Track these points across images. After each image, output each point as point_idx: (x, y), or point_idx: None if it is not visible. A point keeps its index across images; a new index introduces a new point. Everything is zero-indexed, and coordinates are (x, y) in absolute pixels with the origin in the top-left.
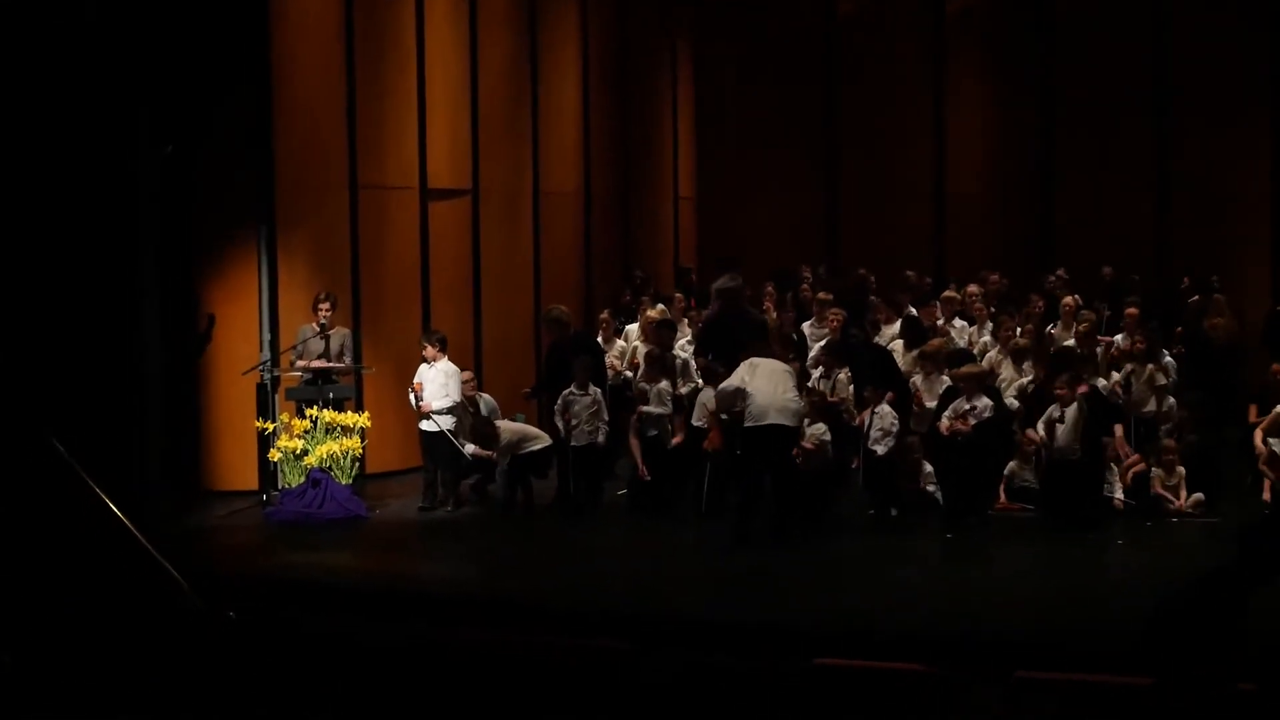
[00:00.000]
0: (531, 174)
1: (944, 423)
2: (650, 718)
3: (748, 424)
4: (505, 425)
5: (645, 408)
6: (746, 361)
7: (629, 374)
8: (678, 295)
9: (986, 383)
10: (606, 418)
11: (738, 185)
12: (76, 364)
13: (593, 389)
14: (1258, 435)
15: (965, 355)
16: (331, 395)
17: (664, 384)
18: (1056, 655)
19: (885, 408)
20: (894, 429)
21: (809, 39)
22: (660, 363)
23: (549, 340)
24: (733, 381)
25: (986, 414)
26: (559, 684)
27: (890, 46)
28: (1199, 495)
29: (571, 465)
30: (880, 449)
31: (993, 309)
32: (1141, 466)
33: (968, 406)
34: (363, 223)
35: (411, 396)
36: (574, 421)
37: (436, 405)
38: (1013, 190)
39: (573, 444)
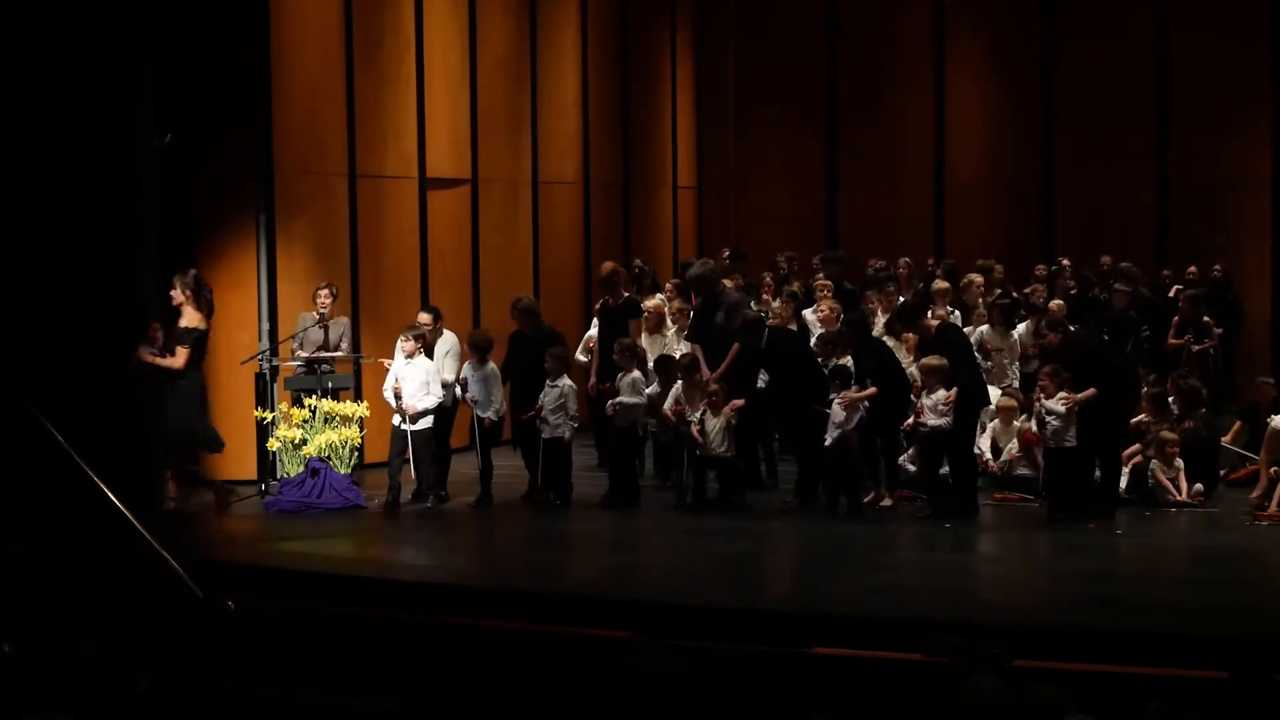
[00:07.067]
0: (531, 163)
1: (910, 420)
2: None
3: None
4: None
5: (619, 399)
6: None
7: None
8: (669, 285)
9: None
10: (574, 410)
11: (738, 175)
12: (76, 352)
13: (563, 381)
14: (1263, 457)
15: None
16: (330, 385)
17: (636, 374)
18: (1054, 644)
19: (837, 406)
20: (846, 426)
21: (810, 29)
22: (632, 352)
23: (516, 330)
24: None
25: (942, 406)
26: (557, 671)
27: (891, 35)
28: (1199, 486)
29: (540, 458)
30: (829, 440)
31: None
32: (1140, 460)
33: (925, 400)
34: (362, 212)
35: (390, 396)
36: (542, 413)
37: (420, 406)
38: (1014, 179)
39: (543, 436)
